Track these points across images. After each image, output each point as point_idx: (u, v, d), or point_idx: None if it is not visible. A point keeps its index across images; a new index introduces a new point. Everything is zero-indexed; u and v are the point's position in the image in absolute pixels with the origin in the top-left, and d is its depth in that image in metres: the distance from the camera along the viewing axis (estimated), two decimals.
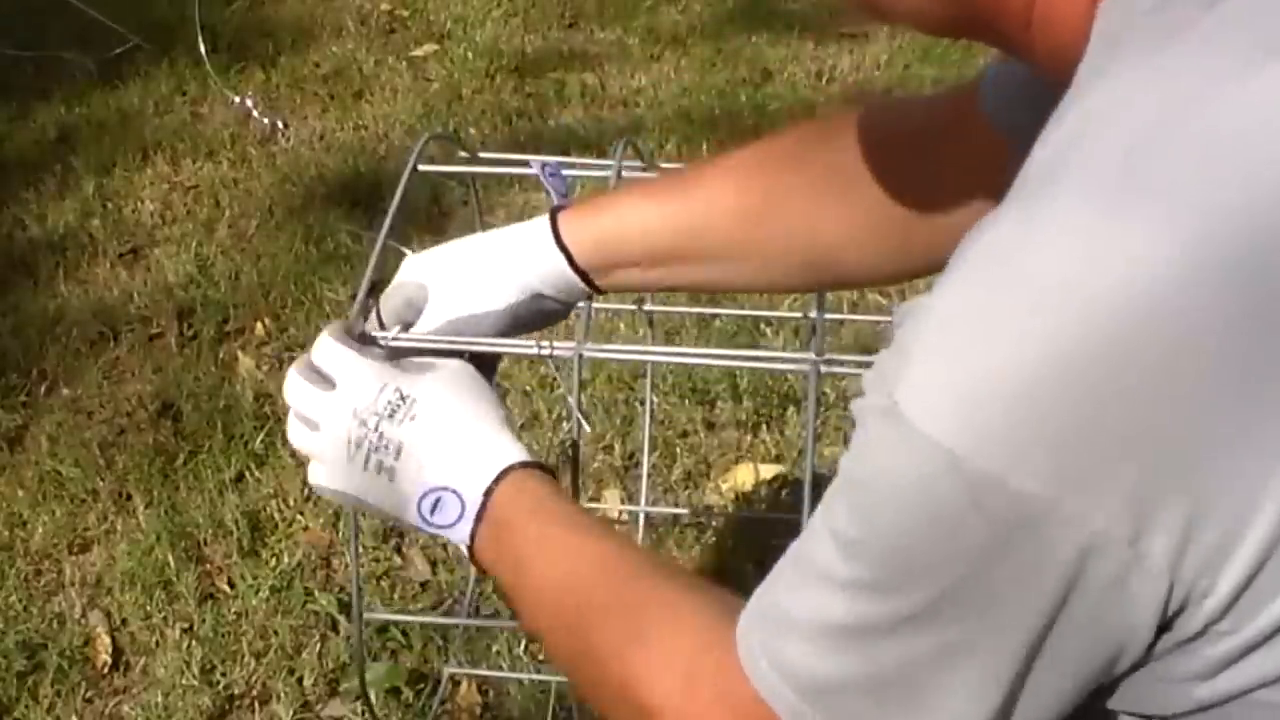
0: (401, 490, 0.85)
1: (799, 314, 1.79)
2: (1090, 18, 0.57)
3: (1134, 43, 0.53)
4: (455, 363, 0.91)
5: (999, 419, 0.50)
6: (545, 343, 0.96)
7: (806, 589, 0.58)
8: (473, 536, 0.83)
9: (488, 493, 0.82)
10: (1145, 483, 0.49)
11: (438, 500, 0.83)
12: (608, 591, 0.75)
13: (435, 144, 1.10)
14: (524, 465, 0.84)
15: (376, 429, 0.85)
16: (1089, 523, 0.50)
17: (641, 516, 1.90)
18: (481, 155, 1.24)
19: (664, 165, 1.24)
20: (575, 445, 1.03)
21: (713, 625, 0.67)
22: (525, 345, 0.98)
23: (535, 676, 1.73)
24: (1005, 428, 0.50)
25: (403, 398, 0.86)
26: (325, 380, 0.88)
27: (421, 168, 1.09)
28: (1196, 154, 0.49)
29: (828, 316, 1.06)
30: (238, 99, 3.25)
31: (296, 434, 0.90)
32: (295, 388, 0.89)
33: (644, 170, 1.21)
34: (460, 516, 0.82)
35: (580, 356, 0.95)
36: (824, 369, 0.93)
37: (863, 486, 0.56)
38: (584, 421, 1.00)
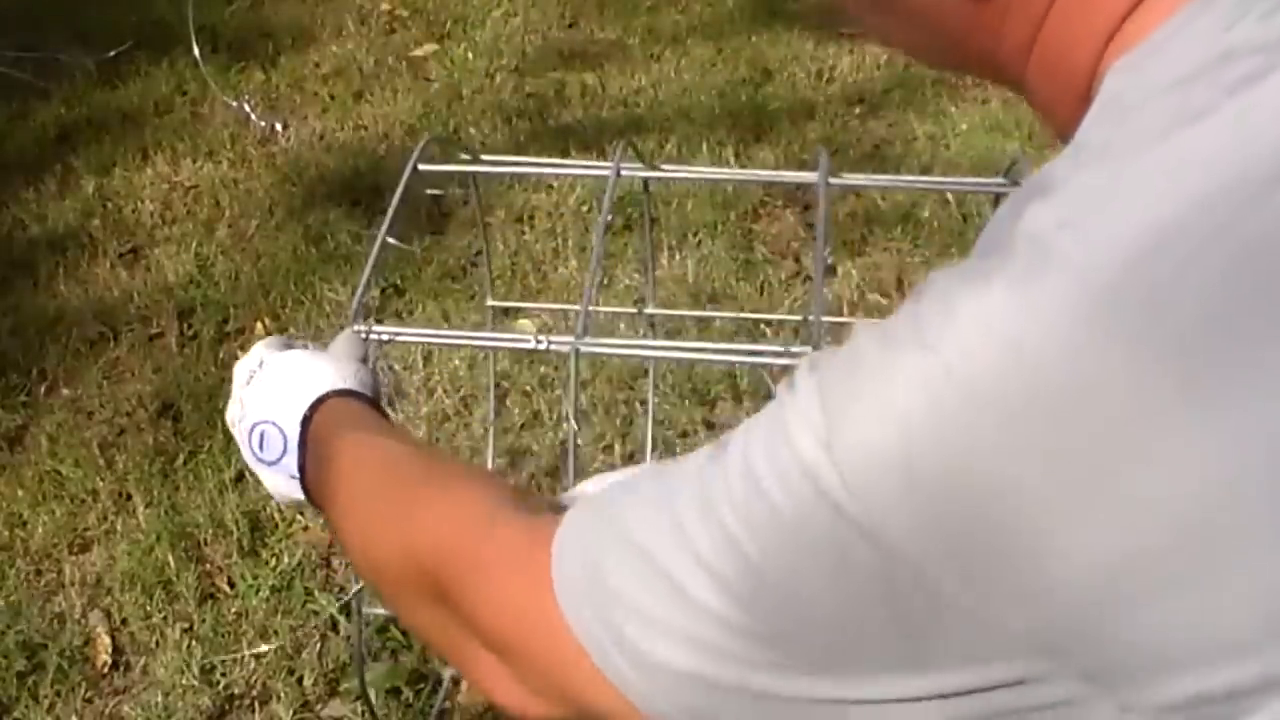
0: (241, 435, 0.88)
1: (798, 317, 1.79)
2: (1093, 73, 0.54)
3: (1147, 119, 0.49)
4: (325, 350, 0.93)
5: (936, 504, 0.47)
6: (542, 336, 0.97)
7: (655, 527, 0.55)
8: (302, 471, 0.84)
9: (305, 421, 0.84)
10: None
11: (262, 435, 0.86)
12: (408, 473, 0.75)
13: (435, 146, 1.10)
14: (340, 393, 0.85)
15: (239, 399, 0.91)
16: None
17: None
18: (487, 158, 1.24)
19: (664, 166, 1.24)
20: (572, 442, 1.03)
21: (511, 499, 0.67)
22: (523, 339, 0.99)
23: None
24: (943, 521, 0.47)
25: (260, 364, 0.90)
26: None
27: (422, 166, 1.09)
28: (1200, 279, 0.46)
29: (825, 319, 1.06)
30: (234, 103, 3.25)
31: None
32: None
33: (645, 170, 1.21)
34: (284, 449, 0.85)
35: (577, 351, 0.95)
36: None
37: (763, 496, 0.52)
38: (576, 421, 1.00)
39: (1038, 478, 0.46)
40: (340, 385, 0.86)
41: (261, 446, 0.86)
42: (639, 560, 0.55)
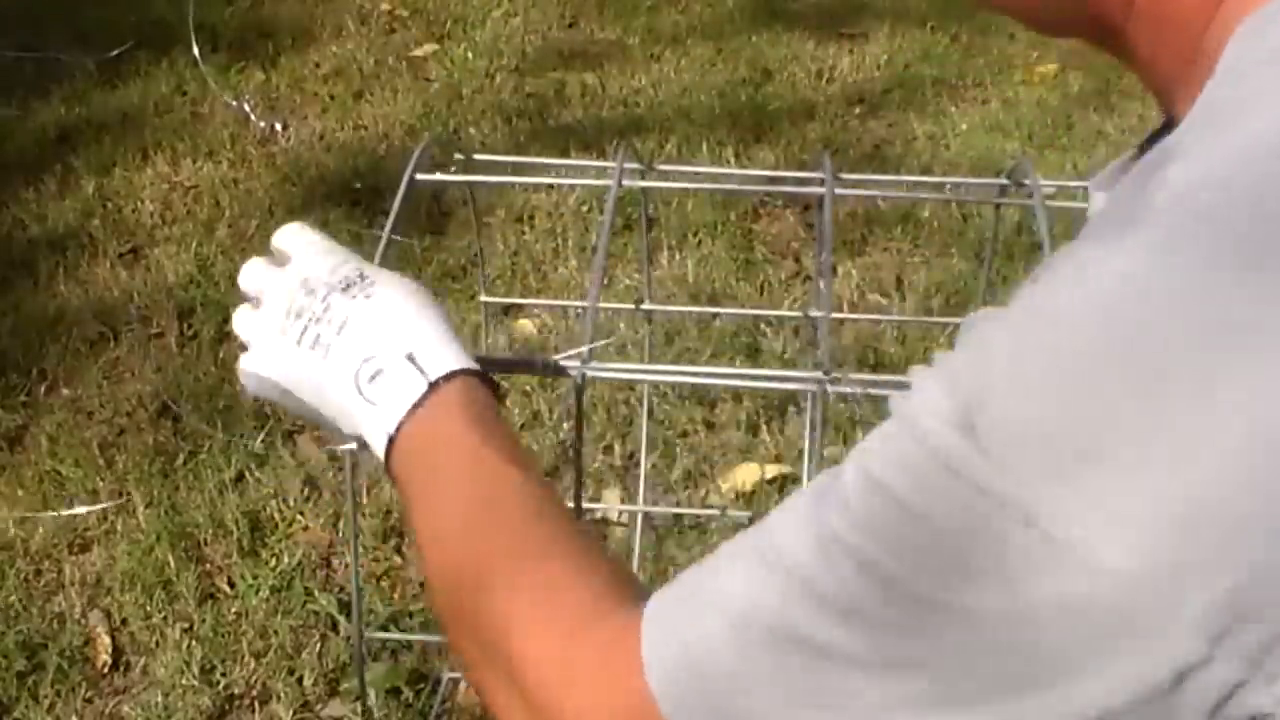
0: (337, 362, 0.77)
1: (799, 313, 1.79)
2: (1205, 29, 0.54)
3: (1267, 85, 0.50)
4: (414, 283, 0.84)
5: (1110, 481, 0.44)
6: (549, 358, 0.95)
7: (762, 584, 0.51)
8: (399, 426, 0.74)
9: (434, 385, 0.74)
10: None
11: (379, 371, 0.75)
12: (518, 529, 0.68)
13: (436, 148, 1.10)
14: (476, 374, 0.77)
15: (324, 300, 0.79)
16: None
17: (640, 516, 1.90)
18: (481, 158, 1.24)
19: (663, 167, 1.23)
20: (578, 464, 1.02)
21: (616, 594, 0.61)
22: (529, 360, 0.98)
23: None
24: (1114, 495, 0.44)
25: (361, 276, 0.80)
26: (283, 258, 0.83)
27: (420, 176, 1.09)
28: None
29: (823, 314, 1.06)
30: (234, 103, 3.25)
31: (239, 318, 0.82)
32: (248, 268, 0.83)
33: (642, 181, 1.21)
34: (397, 396, 0.74)
35: (583, 376, 0.93)
36: (830, 388, 0.92)
37: (901, 507, 0.48)
38: (579, 443, 0.99)
39: (1196, 434, 0.44)
40: (473, 365, 0.77)
41: (372, 380, 0.75)
42: (745, 628, 0.51)
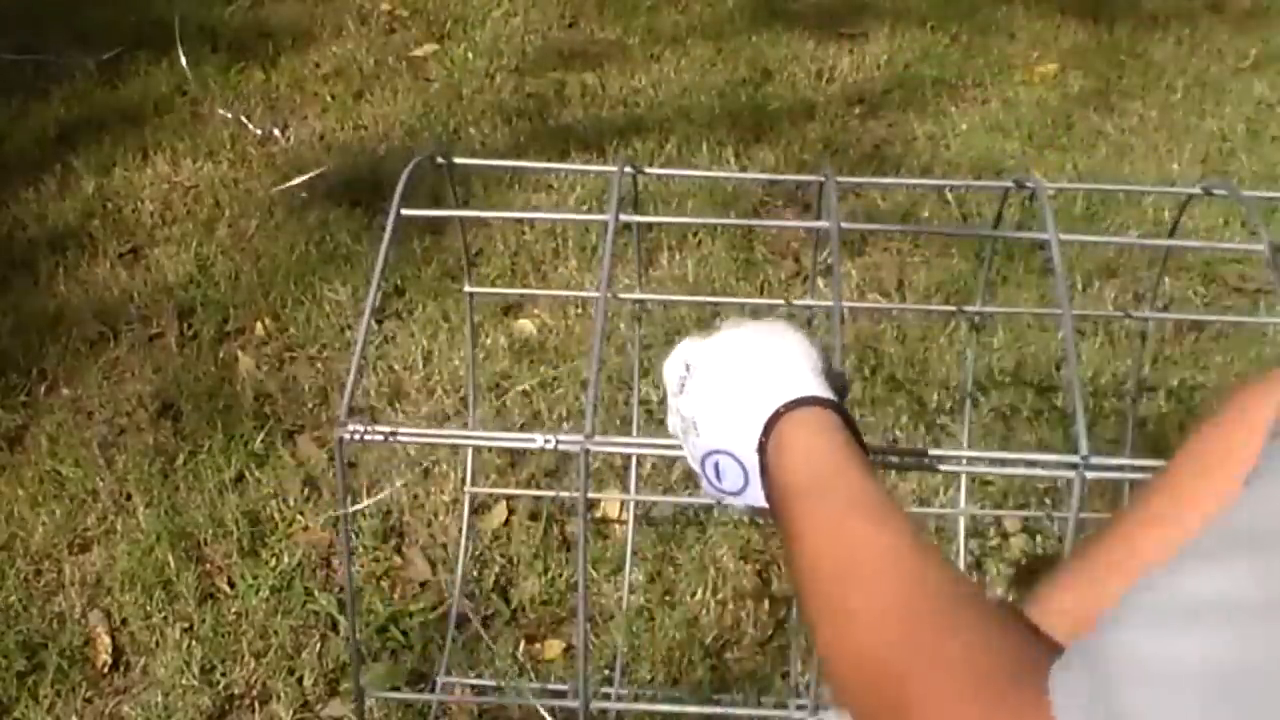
0: (694, 463, 0.81)
1: (803, 304, 1.79)
2: None
3: None
4: (751, 323, 0.86)
5: None
6: (549, 436, 0.99)
7: (1166, 628, 0.48)
8: (769, 498, 0.75)
9: (761, 449, 0.75)
10: None
11: (717, 465, 0.78)
12: (929, 588, 0.65)
13: (436, 141, 1.11)
14: (790, 407, 0.75)
15: (678, 410, 0.84)
16: None
17: (631, 506, 1.91)
18: (476, 162, 1.25)
19: (653, 170, 1.24)
20: (582, 538, 1.03)
21: (1024, 660, 0.57)
22: (528, 439, 1.01)
23: (522, 701, 1.73)
24: None
25: (687, 369, 0.84)
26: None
27: (406, 211, 1.11)
28: None
29: (812, 302, 1.06)
30: (228, 114, 3.24)
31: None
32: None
33: (637, 173, 1.21)
34: (745, 481, 0.76)
35: (586, 452, 0.96)
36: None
37: None
38: (586, 519, 1.02)
39: None
40: (793, 395, 0.76)
41: (719, 477, 0.78)
42: (1158, 678, 0.48)
